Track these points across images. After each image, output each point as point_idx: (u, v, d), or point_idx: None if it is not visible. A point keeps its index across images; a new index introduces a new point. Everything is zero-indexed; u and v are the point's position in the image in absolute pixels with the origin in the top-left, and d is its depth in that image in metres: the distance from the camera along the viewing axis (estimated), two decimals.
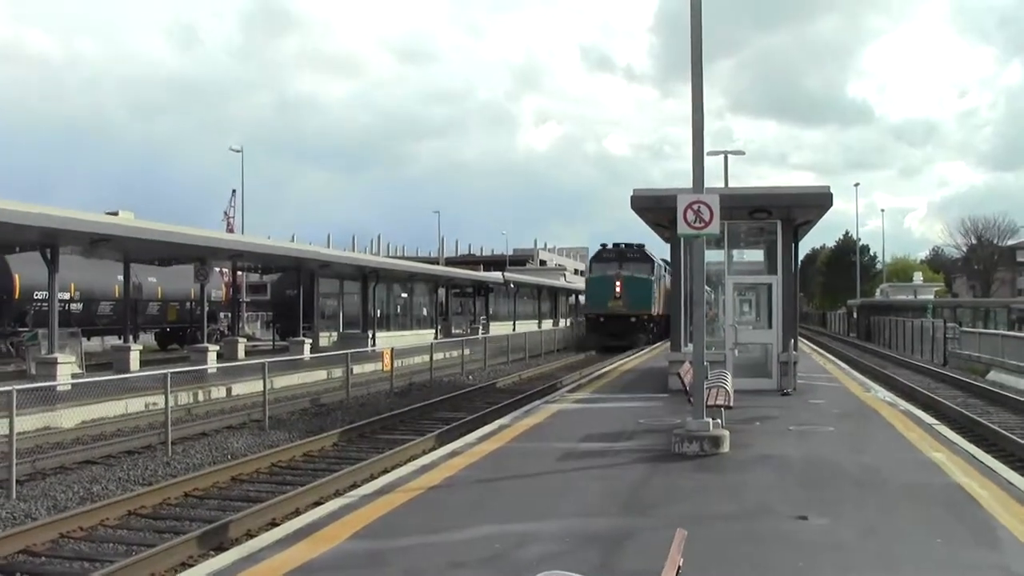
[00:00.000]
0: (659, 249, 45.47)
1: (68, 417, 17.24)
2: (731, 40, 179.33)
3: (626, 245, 49.97)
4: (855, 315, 71.93)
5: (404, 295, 47.00)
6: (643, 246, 50.17)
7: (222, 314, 42.56)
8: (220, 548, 8.76)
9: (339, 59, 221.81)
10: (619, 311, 47.47)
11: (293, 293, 36.52)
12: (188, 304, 38.06)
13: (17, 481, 11.74)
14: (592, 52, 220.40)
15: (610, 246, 50.72)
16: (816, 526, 7.93)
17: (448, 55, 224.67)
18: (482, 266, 79.65)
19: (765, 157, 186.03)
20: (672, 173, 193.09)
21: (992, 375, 30.38)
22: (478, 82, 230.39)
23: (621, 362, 31.59)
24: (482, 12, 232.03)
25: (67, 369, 20.79)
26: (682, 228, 11.94)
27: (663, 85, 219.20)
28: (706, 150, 12.64)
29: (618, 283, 47.95)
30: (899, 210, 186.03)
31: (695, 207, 11.77)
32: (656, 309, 48.42)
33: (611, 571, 6.77)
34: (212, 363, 26.21)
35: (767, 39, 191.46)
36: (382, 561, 7.05)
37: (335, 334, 39.58)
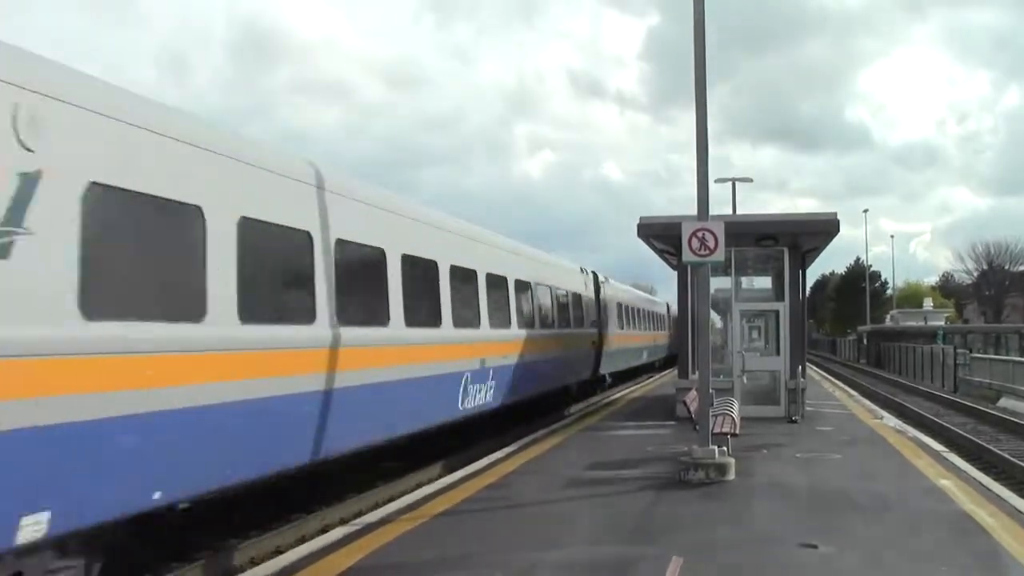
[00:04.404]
0: (669, 276, 45.59)
1: None
2: (725, 64, 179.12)
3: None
4: (865, 341, 71.65)
5: None
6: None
7: None
8: None
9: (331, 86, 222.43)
10: None
11: None
12: None
13: None
14: (582, 79, 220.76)
15: None
16: (821, 554, 7.89)
17: (440, 81, 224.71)
18: None
19: (765, 184, 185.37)
20: (673, 199, 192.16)
21: (1003, 402, 30.22)
22: (471, 109, 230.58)
23: (629, 390, 31.51)
24: (470, 39, 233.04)
25: None
26: (687, 255, 11.99)
27: (656, 112, 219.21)
28: (711, 178, 12.69)
29: None
30: (903, 235, 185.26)
31: (700, 234, 11.82)
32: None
33: None
34: None
35: (760, 63, 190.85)
36: None
37: None
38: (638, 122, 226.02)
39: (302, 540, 9.98)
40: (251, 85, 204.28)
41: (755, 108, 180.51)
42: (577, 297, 23.91)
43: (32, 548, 6.12)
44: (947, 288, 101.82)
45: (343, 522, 10.63)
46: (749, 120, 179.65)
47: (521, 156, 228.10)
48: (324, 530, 10.34)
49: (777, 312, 19.41)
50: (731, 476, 11.57)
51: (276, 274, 9.65)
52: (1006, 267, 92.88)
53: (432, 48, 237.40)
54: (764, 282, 22.12)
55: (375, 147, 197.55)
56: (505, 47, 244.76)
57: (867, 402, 25.09)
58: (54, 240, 6.19)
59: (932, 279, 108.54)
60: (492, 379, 15.83)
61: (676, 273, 20.65)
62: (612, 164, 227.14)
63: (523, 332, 17.78)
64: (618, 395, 28.71)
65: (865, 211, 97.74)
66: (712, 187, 12.73)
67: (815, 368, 41.31)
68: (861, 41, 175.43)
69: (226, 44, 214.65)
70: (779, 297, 19.66)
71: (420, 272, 12.83)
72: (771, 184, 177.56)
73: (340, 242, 10.24)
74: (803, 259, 20.28)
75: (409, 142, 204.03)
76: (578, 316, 23.75)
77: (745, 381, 18.72)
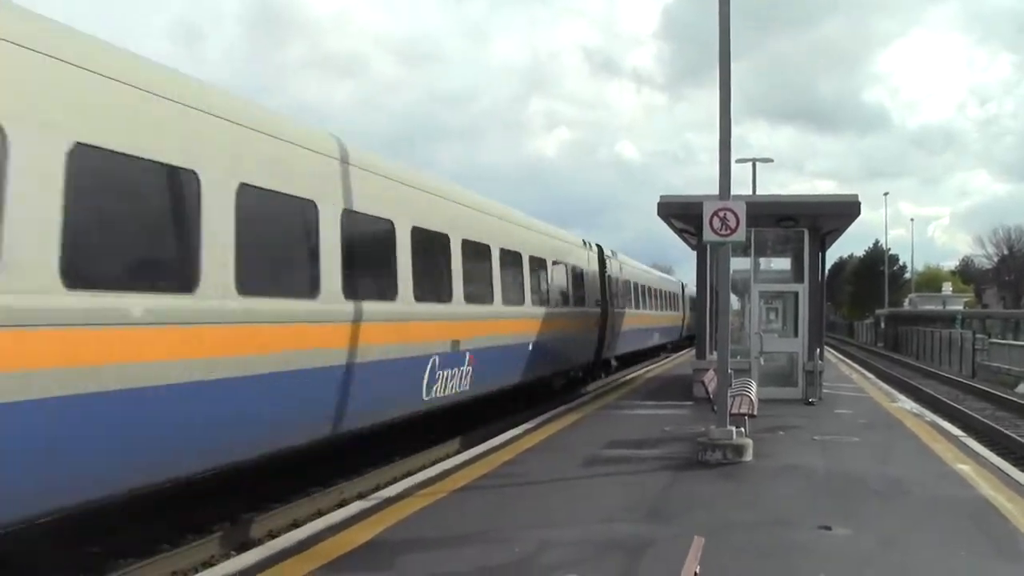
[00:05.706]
0: (687, 256, 47.69)
1: None
2: (742, 43, 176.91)
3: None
4: (883, 325, 71.28)
5: None
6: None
7: None
8: None
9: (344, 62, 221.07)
10: None
11: None
12: None
13: None
14: (597, 56, 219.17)
15: None
16: (838, 537, 7.88)
17: (454, 58, 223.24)
18: None
19: (782, 165, 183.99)
20: (689, 180, 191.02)
21: (1021, 388, 30.02)
22: (486, 86, 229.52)
23: (645, 370, 31.51)
24: (485, 16, 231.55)
25: None
26: (708, 235, 11.93)
27: (673, 90, 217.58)
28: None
29: None
30: (922, 219, 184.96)
31: (721, 214, 11.74)
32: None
33: None
34: None
35: (777, 42, 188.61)
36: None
37: None
38: (654, 101, 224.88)
39: (319, 514, 10.04)
40: (265, 60, 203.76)
41: (772, 88, 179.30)
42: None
43: None
44: (967, 273, 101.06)
45: (361, 496, 10.68)
46: (766, 100, 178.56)
47: (536, 133, 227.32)
48: (342, 504, 10.39)
49: (796, 294, 19.30)
50: (748, 457, 11.57)
51: None
52: None
53: (446, 24, 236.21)
54: (783, 263, 21.99)
55: (391, 123, 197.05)
56: (519, 23, 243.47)
57: (884, 385, 24.98)
58: None
59: (950, 263, 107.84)
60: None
61: (695, 253, 20.59)
62: (628, 143, 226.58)
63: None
64: (635, 374, 28.72)
65: (886, 194, 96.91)
66: (734, 167, 12.63)
67: (832, 351, 41.16)
68: (878, 21, 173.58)
69: (239, 19, 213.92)
70: (798, 279, 19.55)
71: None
72: (788, 165, 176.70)
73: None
74: (823, 241, 20.17)
75: (424, 118, 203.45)
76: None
77: (763, 362, 18.67)
